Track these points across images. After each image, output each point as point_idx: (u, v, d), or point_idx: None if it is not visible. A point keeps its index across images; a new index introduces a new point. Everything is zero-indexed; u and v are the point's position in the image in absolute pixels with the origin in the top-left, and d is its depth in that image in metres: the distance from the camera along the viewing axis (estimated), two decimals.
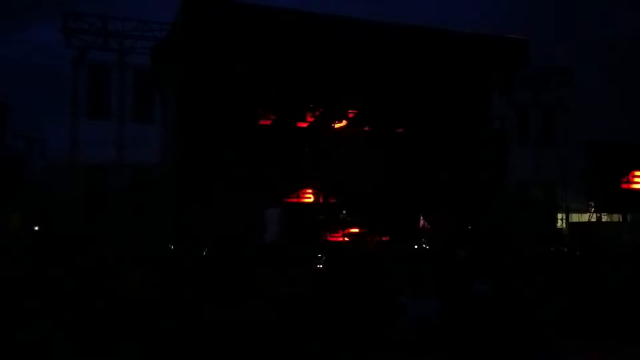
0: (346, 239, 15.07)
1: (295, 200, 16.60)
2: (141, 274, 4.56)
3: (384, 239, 15.76)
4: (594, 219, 19.70)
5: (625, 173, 19.00)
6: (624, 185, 18.89)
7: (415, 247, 14.25)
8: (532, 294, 3.78)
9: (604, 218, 19.92)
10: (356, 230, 15.25)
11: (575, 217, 20.55)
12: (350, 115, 16.70)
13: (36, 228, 13.82)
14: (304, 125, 16.88)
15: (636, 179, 18.84)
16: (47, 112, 19.57)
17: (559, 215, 19.33)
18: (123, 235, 11.77)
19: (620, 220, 19.68)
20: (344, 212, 16.24)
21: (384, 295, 3.47)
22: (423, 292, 3.87)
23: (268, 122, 16.68)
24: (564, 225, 19.26)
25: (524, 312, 3.37)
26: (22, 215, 14.43)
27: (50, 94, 20.84)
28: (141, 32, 14.51)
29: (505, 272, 5.34)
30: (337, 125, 17.10)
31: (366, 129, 17.62)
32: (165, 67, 14.19)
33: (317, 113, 16.05)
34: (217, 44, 12.31)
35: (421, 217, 16.73)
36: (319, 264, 7.34)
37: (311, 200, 16.87)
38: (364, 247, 13.52)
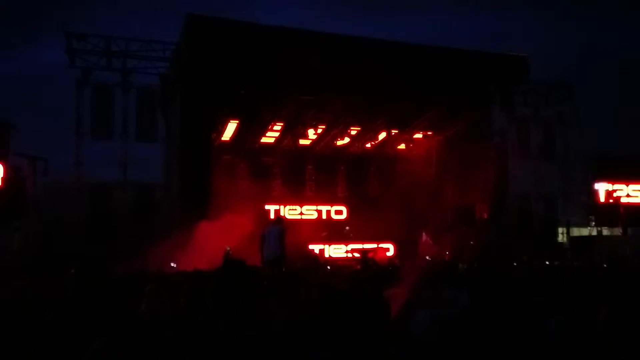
0: (349, 255, 15.10)
1: (298, 217, 16.63)
2: (152, 291, 4.58)
3: (387, 254, 15.78)
4: (594, 233, 19.71)
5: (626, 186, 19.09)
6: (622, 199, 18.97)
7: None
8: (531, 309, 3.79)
9: (605, 232, 19.94)
10: (360, 246, 15.28)
11: (576, 231, 20.56)
12: (353, 133, 16.84)
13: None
14: (307, 142, 17.01)
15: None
16: (51, 132, 19.62)
17: (560, 229, 19.34)
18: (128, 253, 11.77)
19: (621, 234, 19.69)
20: (347, 228, 16.28)
21: (380, 306, 3.47)
22: (419, 303, 3.90)
23: (272, 141, 16.80)
24: (565, 239, 19.26)
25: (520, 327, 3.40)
26: (25, 235, 14.40)
27: (53, 114, 20.98)
28: (144, 52, 14.62)
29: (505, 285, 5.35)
30: (339, 143, 17.24)
31: (367, 145, 17.77)
32: (168, 86, 14.33)
33: (320, 130, 16.18)
34: (220, 63, 12.45)
35: (423, 232, 16.76)
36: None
37: (314, 217, 16.91)
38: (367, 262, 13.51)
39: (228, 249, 11.81)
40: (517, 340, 2.95)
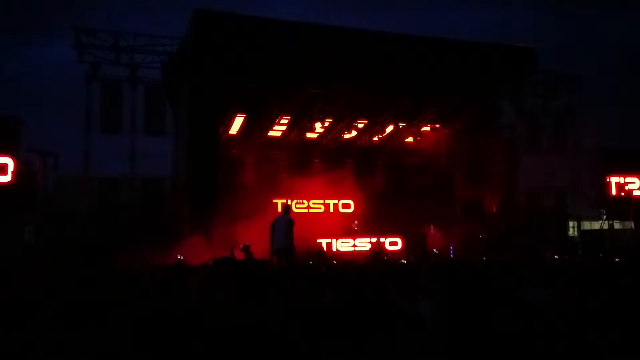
0: (357, 248, 15.10)
1: (305, 211, 16.61)
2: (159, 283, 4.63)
3: (395, 247, 15.75)
4: (605, 227, 19.50)
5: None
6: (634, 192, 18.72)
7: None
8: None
9: (616, 225, 19.71)
10: (367, 239, 15.27)
11: (587, 225, 20.34)
12: (360, 126, 16.78)
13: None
14: (314, 136, 16.99)
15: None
16: (61, 127, 19.82)
17: (571, 223, 19.15)
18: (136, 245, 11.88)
19: (633, 227, 19.46)
20: (356, 222, 16.27)
21: (382, 300, 3.48)
22: (422, 295, 3.89)
23: (279, 134, 16.81)
24: (576, 233, 19.06)
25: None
26: (35, 228, 14.56)
27: (63, 109, 21.18)
28: (152, 47, 14.71)
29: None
30: (346, 136, 17.19)
31: (375, 138, 17.70)
32: (176, 80, 14.37)
33: (327, 124, 16.14)
34: (227, 58, 12.46)
35: (431, 226, 16.71)
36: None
37: (321, 210, 16.90)
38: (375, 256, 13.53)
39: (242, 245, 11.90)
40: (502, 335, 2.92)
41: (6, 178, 14.18)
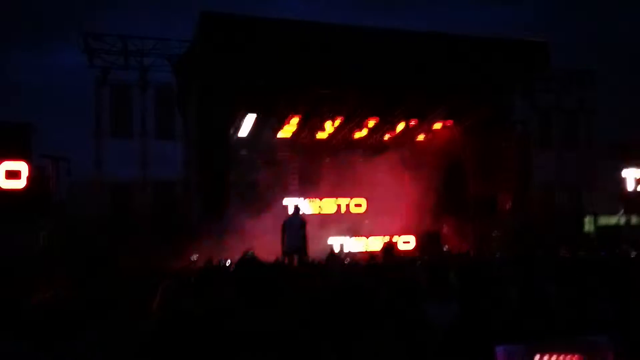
0: (370, 248, 15.03)
1: (317, 211, 16.57)
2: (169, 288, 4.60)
3: (408, 247, 15.66)
4: (623, 222, 19.20)
5: None
6: None
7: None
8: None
9: (634, 220, 19.39)
10: (379, 238, 15.20)
11: (603, 220, 20.04)
12: (370, 125, 16.68)
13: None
14: (324, 136, 16.93)
15: None
16: (72, 132, 19.96)
17: (587, 219, 18.86)
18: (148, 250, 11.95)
19: None
20: (367, 222, 16.20)
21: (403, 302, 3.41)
22: (445, 295, 3.84)
23: (289, 135, 16.78)
24: (592, 229, 18.79)
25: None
26: (49, 233, 14.68)
27: (74, 114, 21.32)
28: (160, 50, 14.71)
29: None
30: (356, 135, 17.10)
31: (386, 137, 17.59)
32: (186, 82, 14.40)
33: (337, 123, 16.08)
34: (235, 60, 12.46)
35: (445, 224, 16.58)
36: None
37: (333, 210, 16.84)
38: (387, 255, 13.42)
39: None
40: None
41: (21, 183, 14.30)
